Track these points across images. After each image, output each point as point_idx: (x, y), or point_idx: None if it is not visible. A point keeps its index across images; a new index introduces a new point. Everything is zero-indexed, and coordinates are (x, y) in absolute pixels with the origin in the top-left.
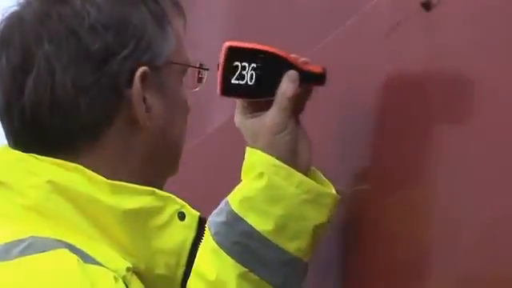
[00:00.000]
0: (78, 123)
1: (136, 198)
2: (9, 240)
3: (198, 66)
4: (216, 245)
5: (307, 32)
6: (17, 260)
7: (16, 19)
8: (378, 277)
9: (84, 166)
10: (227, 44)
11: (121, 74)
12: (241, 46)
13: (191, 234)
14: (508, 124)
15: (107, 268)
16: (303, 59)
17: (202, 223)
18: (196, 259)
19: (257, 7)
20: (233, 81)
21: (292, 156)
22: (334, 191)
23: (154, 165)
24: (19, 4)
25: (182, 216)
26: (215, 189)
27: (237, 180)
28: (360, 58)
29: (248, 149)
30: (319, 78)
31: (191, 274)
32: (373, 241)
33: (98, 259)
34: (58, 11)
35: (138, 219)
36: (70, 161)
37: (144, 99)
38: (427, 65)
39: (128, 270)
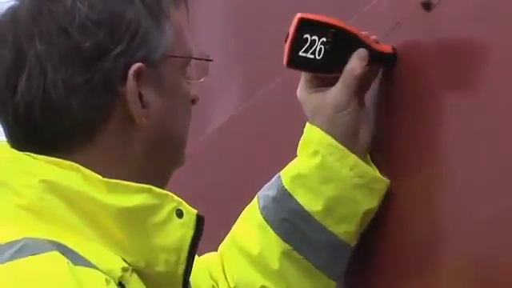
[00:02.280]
0: (72, 122)
1: (132, 195)
2: (3, 241)
3: (200, 57)
4: (263, 219)
5: None
6: (8, 263)
7: (9, 16)
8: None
9: (80, 165)
10: (299, 15)
11: (114, 72)
12: (313, 18)
13: (190, 232)
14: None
15: (100, 269)
16: (374, 37)
17: (199, 220)
18: (238, 232)
19: (257, 6)
20: (300, 53)
21: (351, 137)
22: (385, 177)
23: (155, 160)
24: (14, 1)
25: (179, 213)
26: (215, 189)
27: (236, 179)
28: None
29: (307, 124)
30: (389, 58)
31: (228, 242)
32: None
33: (92, 260)
34: (49, 9)
35: (136, 217)
36: (66, 159)
37: (140, 96)
38: (427, 65)
39: (125, 269)
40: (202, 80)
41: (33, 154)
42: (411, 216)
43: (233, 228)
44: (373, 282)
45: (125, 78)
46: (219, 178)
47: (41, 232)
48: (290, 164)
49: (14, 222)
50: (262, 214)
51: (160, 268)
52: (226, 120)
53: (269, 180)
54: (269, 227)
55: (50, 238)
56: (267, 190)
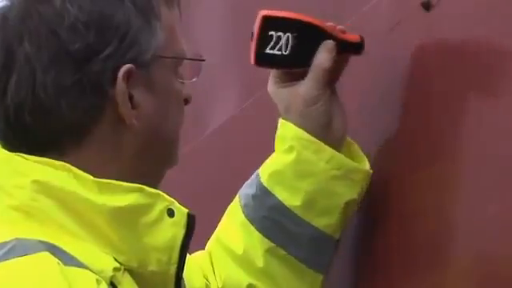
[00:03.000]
0: (62, 124)
1: (124, 195)
2: None
3: (192, 57)
4: (245, 218)
5: None
6: None
7: (0, 18)
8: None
9: (71, 165)
10: (262, 13)
11: (103, 74)
12: (276, 15)
13: (181, 231)
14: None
15: (91, 269)
16: (340, 27)
17: (191, 220)
18: (223, 231)
19: (257, 6)
20: (267, 50)
21: (325, 129)
22: (366, 167)
23: (147, 160)
24: (5, 2)
25: (171, 213)
26: (215, 189)
27: (236, 179)
28: (360, 57)
29: (280, 120)
30: (356, 47)
31: (214, 242)
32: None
33: (83, 260)
34: (38, 10)
35: (127, 217)
36: (57, 160)
37: (131, 97)
38: (427, 65)
39: (117, 269)
40: (194, 80)
41: (24, 155)
42: (412, 216)
43: (218, 227)
44: (373, 282)
45: (114, 79)
46: (219, 178)
47: (32, 232)
48: (267, 160)
49: (5, 223)
50: (243, 212)
51: (152, 267)
52: (226, 120)
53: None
54: (251, 225)
55: (41, 239)
56: (247, 188)
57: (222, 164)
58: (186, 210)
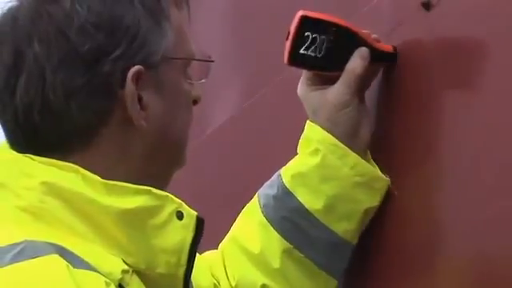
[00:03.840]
0: (71, 125)
1: (132, 197)
2: (3, 244)
3: (201, 58)
4: (264, 218)
5: None
6: (8, 267)
7: (9, 18)
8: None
9: (79, 166)
10: (301, 13)
11: (113, 75)
12: (315, 16)
13: (190, 234)
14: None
15: (100, 272)
16: (374, 36)
17: (199, 223)
18: (239, 230)
19: (257, 6)
20: (301, 51)
21: (351, 135)
22: (385, 175)
23: (155, 162)
24: (14, 2)
25: (180, 215)
26: (215, 189)
27: (236, 179)
28: None
29: (308, 122)
30: (389, 57)
31: (229, 241)
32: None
33: (92, 262)
34: (48, 11)
35: (136, 219)
36: (66, 161)
37: (140, 99)
38: (427, 65)
39: (125, 271)
40: (203, 81)
41: (32, 156)
42: (411, 216)
43: (233, 226)
44: (373, 282)
45: (124, 80)
46: (219, 178)
47: (41, 234)
48: (290, 162)
49: (14, 224)
50: (262, 212)
51: (160, 270)
52: (226, 120)
53: (269, 180)
54: (270, 226)
55: (50, 241)
56: (268, 189)
57: (222, 164)
58: (194, 213)
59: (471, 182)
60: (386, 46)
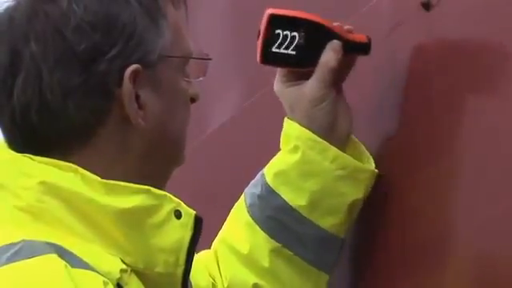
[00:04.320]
0: (68, 124)
1: (131, 196)
2: (1, 244)
3: (199, 56)
4: (250, 218)
5: None
6: (5, 267)
7: (6, 18)
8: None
9: (78, 166)
10: (269, 11)
11: (110, 74)
12: (283, 13)
13: (188, 233)
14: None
15: (98, 271)
16: (347, 27)
17: (198, 221)
18: (228, 231)
19: (257, 6)
20: (273, 49)
21: (329, 129)
22: (371, 166)
23: (154, 161)
24: (11, 2)
25: (178, 214)
26: (215, 189)
27: (236, 179)
28: (360, 57)
29: (286, 119)
30: (363, 48)
31: (219, 242)
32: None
33: (90, 262)
34: (44, 10)
35: (134, 218)
36: (64, 160)
37: (137, 97)
38: (427, 65)
39: (123, 271)
40: (201, 79)
41: (31, 156)
42: (413, 216)
43: (223, 226)
44: (373, 282)
45: (121, 79)
46: (219, 178)
47: (39, 234)
48: (272, 160)
49: (13, 224)
50: (248, 212)
51: (159, 269)
52: (226, 120)
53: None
54: (256, 225)
55: (48, 240)
56: (253, 188)
57: (222, 164)
58: (193, 212)
59: (474, 182)
60: (360, 36)
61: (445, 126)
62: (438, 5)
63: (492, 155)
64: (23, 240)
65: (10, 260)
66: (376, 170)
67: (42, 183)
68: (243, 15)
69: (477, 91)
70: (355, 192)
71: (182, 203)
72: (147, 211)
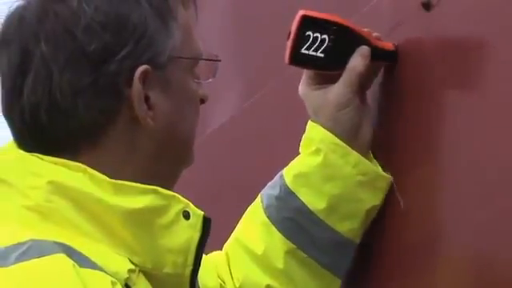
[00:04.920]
0: (78, 124)
1: (139, 197)
2: (8, 243)
3: (209, 57)
4: (267, 218)
5: None
6: (13, 266)
7: (17, 17)
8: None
9: (86, 166)
10: (301, 12)
11: (120, 74)
12: (315, 15)
13: (197, 234)
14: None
15: (106, 271)
16: (376, 34)
17: (206, 222)
18: (242, 231)
19: (257, 6)
20: (303, 50)
21: (353, 134)
22: (388, 175)
23: (163, 161)
24: (21, 1)
25: (186, 215)
26: (215, 189)
27: (236, 179)
28: None
29: (309, 122)
30: (390, 56)
31: (233, 242)
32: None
33: (98, 262)
34: (54, 10)
35: (143, 218)
36: (73, 160)
37: (147, 98)
38: (427, 65)
39: (131, 271)
40: (210, 80)
41: (40, 155)
42: (412, 216)
43: (237, 227)
44: (373, 282)
45: (131, 80)
46: (219, 179)
47: (47, 233)
48: (292, 162)
49: (21, 224)
50: (265, 212)
51: (167, 269)
52: (226, 120)
53: (269, 180)
54: (273, 226)
55: (57, 240)
56: (270, 189)
57: (221, 164)
58: (201, 213)
59: (472, 182)
60: (387, 44)
61: (445, 125)
62: (438, 5)
63: (491, 155)
64: (31, 239)
65: (18, 260)
66: (391, 178)
67: (51, 183)
68: (243, 16)
69: (476, 91)
70: (373, 199)
71: (191, 204)
72: (156, 211)
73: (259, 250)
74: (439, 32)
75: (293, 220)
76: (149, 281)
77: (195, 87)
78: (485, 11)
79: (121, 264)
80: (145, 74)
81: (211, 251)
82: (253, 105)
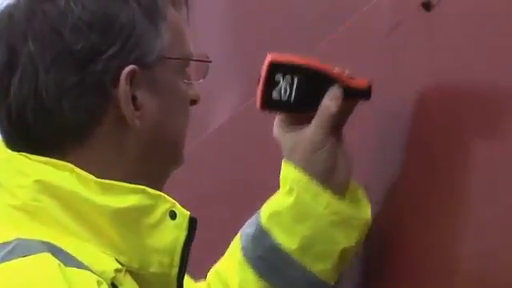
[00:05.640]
0: (63, 124)
1: (126, 196)
2: None
3: (199, 58)
4: (242, 256)
5: (307, 32)
6: None
7: (5, 16)
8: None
9: (73, 165)
10: (269, 58)
11: (106, 74)
12: (283, 60)
13: (182, 234)
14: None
15: (92, 270)
16: (347, 73)
17: (192, 222)
18: (223, 265)
19: (257, 6)
20: (274, 95)
21: (327, 174)
22: (366, 214)
23: (150, 162)
24: (13, 0)
25: (172, 215)
26: (216, 189)
27: (236, 180)
28: (360, 58)
29: (283, 161)
30: (364, 93)
31: (214, 275)
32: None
33: (84, 261)
34: (42, 9)
35: (129, 218)
36: (60, 160)
37: (134, 98)
38: (427, 65)
39: (118, 270)
40: (201, 81)
41: (27, 154)
42: (411, 216)
43: (220, 259)
44: (373, 282)
45: (117, 80)
46: (219, 179)
47: (34, 233)
48: (268, 200)
49: (8, 223)
50: (241, 250)
51: (154, 269)
52: (226, 120)
53: (268, 180)
54: (247, 265)
55: (43, 239)
56: (248, 228)
57: (221, 164)
58: (187, 213)
59: (471, 182)
60: (361, 82)
61: (445, 125)
62: (438, 5)
63: (490, 155)
64: (18, 238)
65: (3, 259)
66: (370, 218)
67: (38, 182)
68: (243, 16)
69: (477, 91)
70: (348, 239)
71: (177, 204)
72: (142, 211)
73: (234, 285)
74: (439, 32)
75: (266, 259)
76: (135, 281)
77: (185, 88)
78: (485, 11)
79: (107, 263)
80: (132, 73)
81: (210, 250)
82: (252, 106)
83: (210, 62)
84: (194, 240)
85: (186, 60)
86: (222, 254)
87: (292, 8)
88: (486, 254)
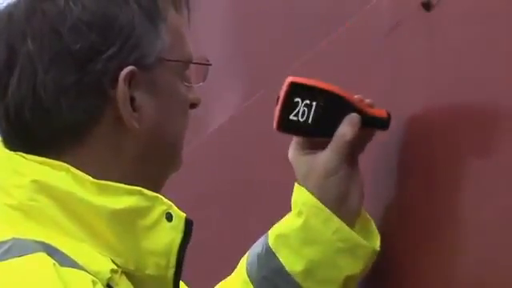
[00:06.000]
0: (61, 123)
1: (123, 197)
2: None
3: (199, 61)
4: (247, 276)
5: (307, 32)
6: None
7: (5, 15)
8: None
9: (70, 165)
10: (290, 79)
11: (105, 74)
12: (304, 82)
13: (178, 236)
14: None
15: (87, 271)
16: (368, 101)
17: (188, 224)
18: (229, 280)
19: (257, 6)
20: (291, 117)
21: (339, 201)
22: (375, 245)
23: (148, 164)
24: (11, 0)
25: (169, 217)
26: (215, 189)
27: (236, 180)
28: (360, 58)
29: (295, 185)
30: (382, 123)
31: None
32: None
33: (80, 261)
34: (42, 9)
35: (126, 219)
36: (57, 160)
37: (132, 100)
38: (427, 65)
39: (114, 271)
40: (200, 84)
41: (24, 154)
42: (411, 216)
43: (228, 277)
44: (373, 282)
45: (116, 80)
46: (219, 179)
47: (30, 232)
48: (278, 222)
49: (4, 222)
50: (246, 270)
51: (150, 271)
52: (226, 120)
53: (269, 180)
54: (251, 284)
55: (39, 239)
56: (255, 247)
57: (221, 165)
58: (183, 215)
59: (471, 182)
60: (379, 111)
61: (445, 126)
62: (438, 5)
63: (489, 154)
64: (14, 238)
65: (0, 258)
66: (378, 249)
67: (34, 182)
68: (243, 16)
69: (476, 91)
70: (352, 267)
71: (174, 205)
72: (139, 212)
73: None
74: (439, 32)
75: (269, 279)
76: (131, 282)
77: (184, 90)
78: (485, 11)
79: (103, 264)
80: (131, 74)
81: (210, 251)
82: (253, 105)
83: (210, 64)
84: (191, 242)
85: (185, 62)
86: (222, 255)
87: (292, 8)
88: (486, 263)
